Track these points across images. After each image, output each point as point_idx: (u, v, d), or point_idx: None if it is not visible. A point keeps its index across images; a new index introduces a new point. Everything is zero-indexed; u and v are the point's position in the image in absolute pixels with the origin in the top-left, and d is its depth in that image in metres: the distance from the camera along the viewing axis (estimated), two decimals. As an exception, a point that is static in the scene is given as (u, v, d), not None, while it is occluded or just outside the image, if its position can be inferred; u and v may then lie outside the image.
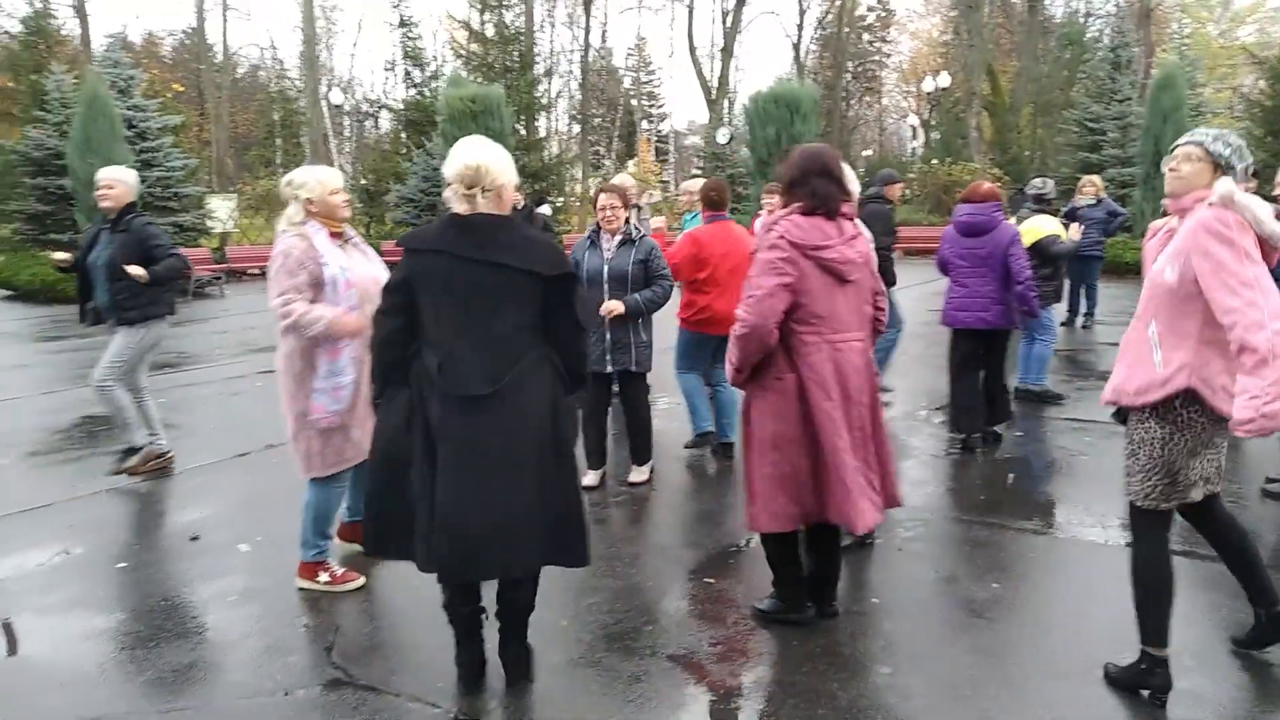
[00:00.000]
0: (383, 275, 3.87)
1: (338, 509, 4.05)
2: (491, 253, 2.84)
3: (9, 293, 17.21)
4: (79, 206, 16.98)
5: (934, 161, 26.67)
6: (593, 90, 43.25)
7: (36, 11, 26.39)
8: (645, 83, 54.08)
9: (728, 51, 35.92)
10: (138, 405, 5.75)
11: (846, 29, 41.58)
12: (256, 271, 20.41)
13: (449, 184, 2.92)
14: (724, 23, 37.33)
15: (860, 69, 48.24)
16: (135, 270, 5.39)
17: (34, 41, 25.78)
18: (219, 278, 17.81)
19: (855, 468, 3.30)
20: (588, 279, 5.04)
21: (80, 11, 30.03)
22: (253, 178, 34.87)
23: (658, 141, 53.52)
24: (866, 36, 48.24)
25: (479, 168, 2.89)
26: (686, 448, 5.93)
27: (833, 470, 3.27)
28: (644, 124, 52.45)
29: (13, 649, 3.55)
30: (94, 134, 16.57)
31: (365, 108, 43.82)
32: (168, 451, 5.85)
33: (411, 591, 3.94)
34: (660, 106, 55.12)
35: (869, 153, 44.84)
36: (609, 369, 5.15)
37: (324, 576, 3.97)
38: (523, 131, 25.78)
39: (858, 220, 3.58)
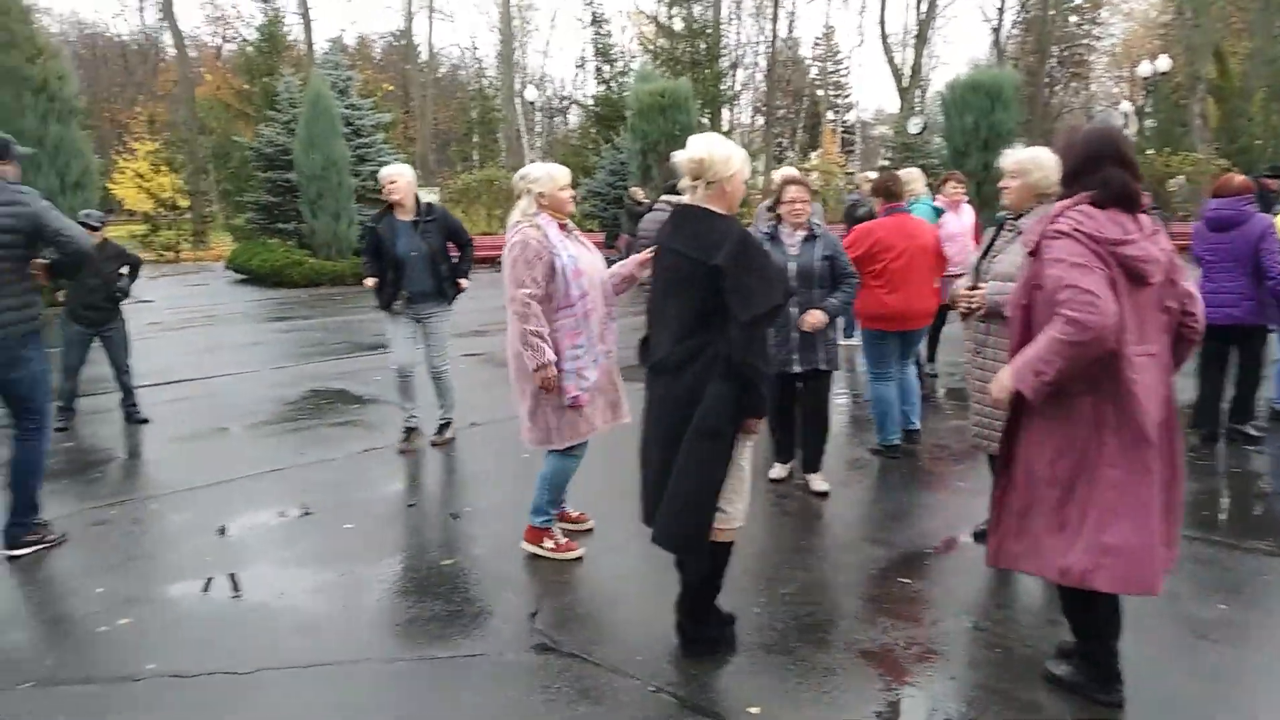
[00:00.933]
0: (603, 265, 4.08)
1: (570, 479, 4.24)
2: (675, 240, 3.11)
3: (242, 276, 19.02)
4: (303, 198, 18.57)
5: (1150, 152, 24.72)
6: (778, 81, 42.83)
7: (270, 20, 28.93)
8: (832, 72, 52.99)
9: (922, 38, 34.66)
10: (406, 383, 6.15)
11: (1052, 11, 39.14)
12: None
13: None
14: (918, 8, 36.07)
15: (1066, 53, 45.26)
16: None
17: (267, 48, 28.30)
18: (422, 266, 18.95)
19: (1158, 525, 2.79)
20: None
21: (305, 19, 32.67)
22: (453, 172, 36.86)
23: (843, 132, 52.34)
24: (1074, 19, 45.16)
25: (701, 160, 3.08)
26: (872, 453, 5.80)
27: (1128, 520, 2.77)
28: (829, 114, 51.42)
29: (256, 596, 3.96)
30: (316, 131, 18.04)
31: (556, 104, 45.37)
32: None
33: (614, 566, 4.14)
34: (847, 96, 53.83)
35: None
36: (796, 369, 4.94)
37: (549, 543, 4.21)
38: (707, 124, 25.89)
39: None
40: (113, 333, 6.97)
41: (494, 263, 21.91)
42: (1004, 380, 2.88)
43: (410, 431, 6.21)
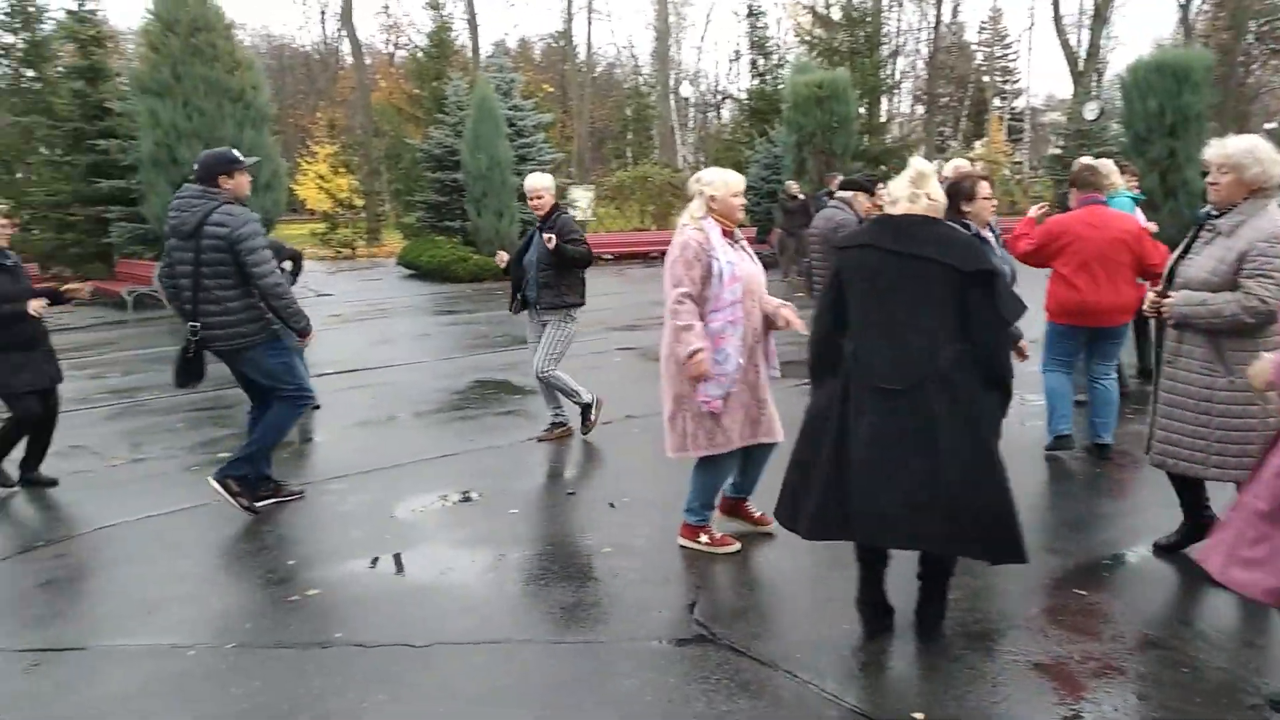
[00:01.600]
0: (762, 278, 4.07)
1: (723, 484, 4.30)
2: (911, 246, 3.07)
3: (411, 271, 20.02)
4: (469, 197, 19.36)
5: (1366, 132, 22.31)
6: (941, 68, 41.27)
7: (439, 26, 30.28)
8: (999, 57, 50.60)
9: (1100, 17, 32.52)
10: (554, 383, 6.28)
11: (1251, -18, 35.89)
12: (610, 257, 21.98)
13: (893, 198, 3.23)
14: (1096, -14, 33.83)
15: (1265, 28, 41.42)
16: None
17: (436, 53, 29.64)
18: (578, 261, 19.40)
19: None
20: None
21: (472, 24, 34.03)
22: (607, 169, 37.50)
23: (1010, 119, 49.90)
24: (1277, -11, 41.27)
25: (921, 173, 3.20)
26: (1047, 451, 5.52)
27: None
28: (996, 101, 49.13)
29: (427, 574, 4.18)
30: (482, 133, 18.76)
31: (710, 99, 45.38)
32: (567, 423, 6.42)
33: (779, 565, 4.13)
34: (1015, 82, 51.29)
35: (1273, 125, 38.45)
36: None
37: (704, 538, 4.25)
38: (865, 116, 25.27)
39: None
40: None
41: (646, 258, 22.26)
42: (1265, 372, 2.75)
43: (556, 427, 6.35)
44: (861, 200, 6.26)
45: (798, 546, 4.15)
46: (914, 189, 3.18)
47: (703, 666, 3.22)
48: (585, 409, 6.31)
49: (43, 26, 23.48)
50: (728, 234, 4.09)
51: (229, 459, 4.91)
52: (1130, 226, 5.30)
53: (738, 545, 4.23)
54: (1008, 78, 51.18)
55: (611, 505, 4.95)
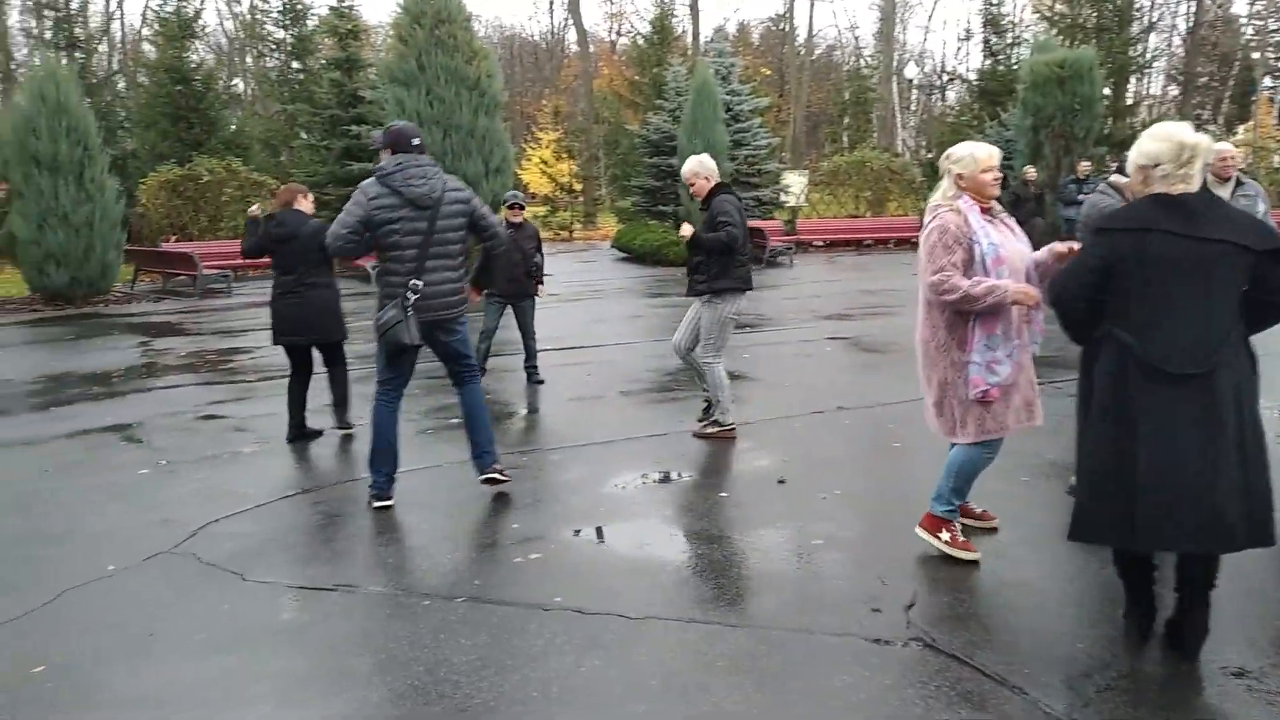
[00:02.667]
0: (1029, 251, 3.84)
1: (980, 471, 4.04)
2: (1202, 229, 2.91)
3: (625, 254, 20.54)
4: (682, 182, 19.59)
5: None
6: (1201, 44, 37.33)
7: (661, 13, 30.75)
8: (1274, 32, 45.10)
9: (1407, -18, 28.24)
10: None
11: None
12: (821, 244, 21.59)
13: (1157, 163, 3.02)
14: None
15: None
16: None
17: (657, 40, 30.13)
18: (789, 249, 19.21)
19: None
20: None
21: (694, 10, 34.26)
22: (820, 154, 36.76)
23: (1285, 101, 44.39)
24: None
25: (1195, 145, 2.99)
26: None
27: None
28: (1266, 81, 43.87)
29: (643, 548, 4.28)
30: (700, 118, 18.92)
31: (936, 80, 43.38)
32: (732, 424, 6.21)
33: (1005, 571, 3.92)
34: (1292, 59, 45.52)
35: None
36: None
37: (945, 535, 4.01)
38: (1110, 97, 23.31)
39: None
40: (526, 303, 7.83)
41: (859, 245, 21.68)
42: None
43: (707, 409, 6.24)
44: (1136, 187, 5.73)
45: (1023, 550, 3.94)
46: (1187, 166, 2.98)
47: (920, 671, 3.11)
48: (713, 419, 6.09)
49: (308, 22, 25.93)
50: (986, 211, 3.86)
51: (484, 450, 4.95)
52: None
53: (978, 554, 3.98)
54: (1282, 53, 45.58)
55: (823, 497, 4.87)
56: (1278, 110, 42.24)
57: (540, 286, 7.93)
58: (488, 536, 4.46)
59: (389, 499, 4.84)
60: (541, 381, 7.78)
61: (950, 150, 3.95)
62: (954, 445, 3.97)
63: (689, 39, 33.57)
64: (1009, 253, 3.77)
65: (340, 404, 6.34)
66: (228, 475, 5.51)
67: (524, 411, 7.00)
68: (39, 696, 3.09)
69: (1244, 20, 44.24)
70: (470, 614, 3.60)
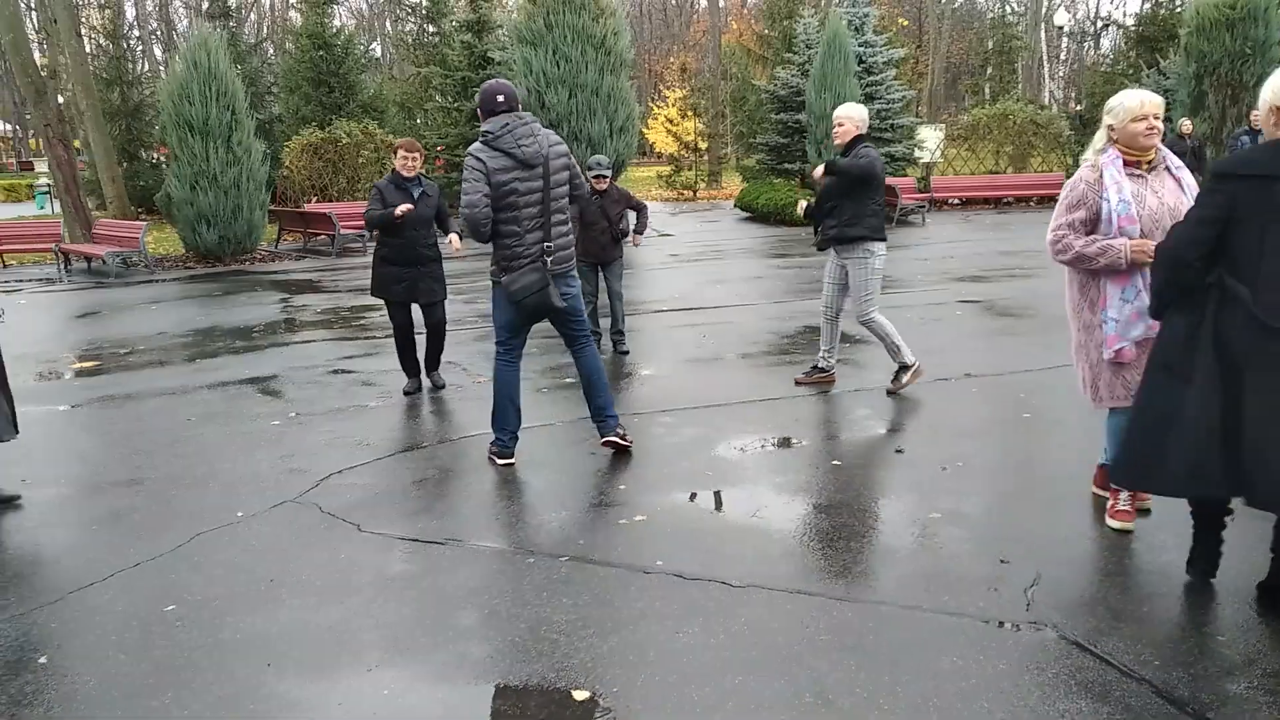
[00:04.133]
0: (1184, 207, 3.53)
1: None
2: None
3: (748, 214, 20.20)
4: (810, 139, 19.05)
5: None
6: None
7: (793, -37, 29.80)
8: None
9: None
10: (835, 321, 6.20)
11: None
12: (957, 202, 20.65)
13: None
14: None
15: None
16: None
17: (788, -9, 29.26)
18: (922, 206, 18.45)
19: None
20: None
21: (827, -41, 33.05)
22: (960, 108, 35.07)
23: None
24: None
25: None
26: None
27: None
28: None
29: (750, 516, 4.19)
30: (829, 71, 18.30)
31: (1088, 27, 40.58)
32: (833, 368, 6.30)
33: (1137, 550, 3.66)
34: None
35: None
36: None
37: (1109, 500, 3.91)
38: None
39: None
40: (613, 266, 7.61)
41: (998, 204, 20.61)
42: None
43: (815, 370, 6.27)
44: (1268, 129, 5.16)
45: (1165, 534, 3.65)
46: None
47: (1038, 657, 2.92)
48: (902, 368, 6.02)
49: (442, -15, 26.41)
50: (1134, 164, 3.60)
51: (606, 414, 4.94)
52: None
53: (1132, 524, 3.79)
54: None
55: (944, 468, 4.65)
56: None
57: (637, 237, 7.76)
58: (595, 497, 4.47)
59: (510, 457, 4.91)
60: (626, 352, 7.50)
61: (1112, 99, 3.67)
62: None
63: (822, -11, 32.48)
64: (1151, 210, 3.52)
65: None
66: (352, 428, 5.72)
67: (641, 374, 6.97)
68: (168, 634, 3.28)
69: None
70: (573, 573, 3.61)
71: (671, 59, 41.78)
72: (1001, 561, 3.60)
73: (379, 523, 4.20)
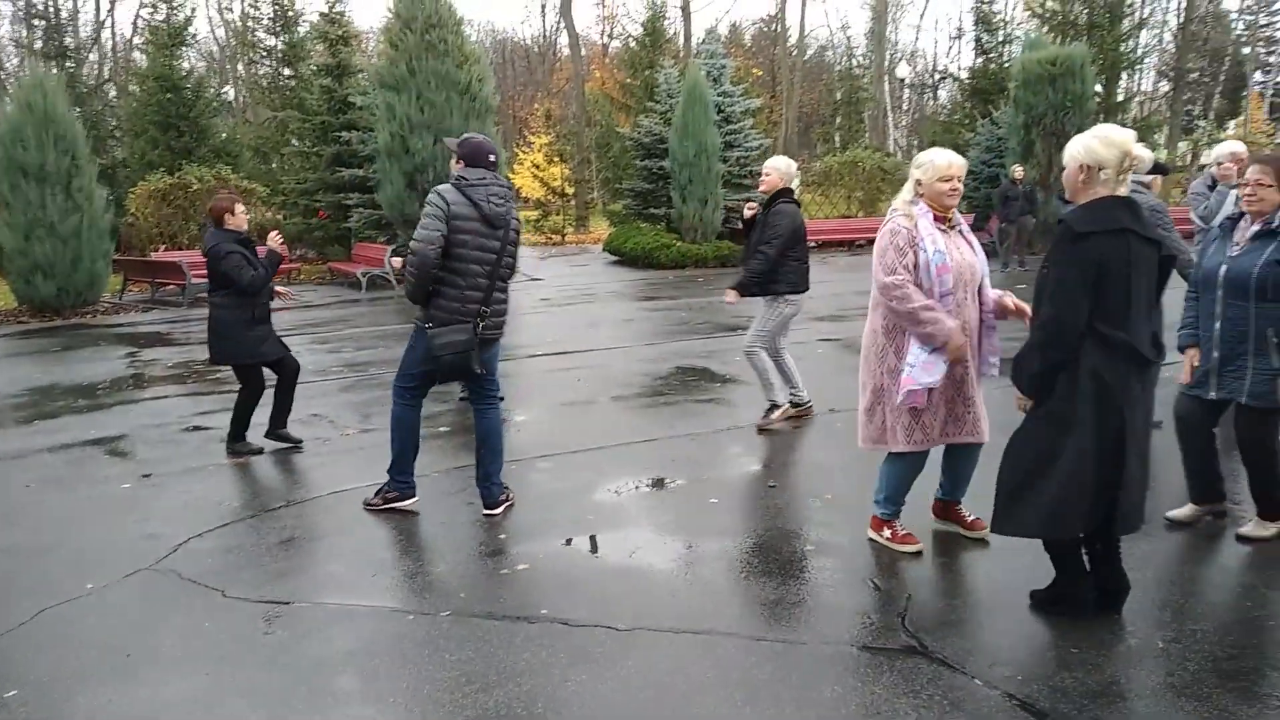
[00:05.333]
0: (980, 264, 3.83)
1: (912, 482, 4.09)
2: (1148, 229, 3.18)
3: (616, 258, 20.46)
4: (675, 184, 19.51)
5: None
6: (1192, 40, 37.36)
7: (653, 15, 30.70)
8: (1264, 27, 45.25)
9: (1395, -24, 28.28)
10: (778, 365, 6.36)
11: None
12: (814, 245, 21.52)
13: (1101, 167, 3.16)
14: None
15: None
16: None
17: (649, 42, 30.09)
18: (782, 249, 19.10)
19: None
20: (1196, 280, 4.14)
21: (685, 12, 34.18)
22: (812, 155, 36.72)
23: (1274, 96, 44.54)
24: None
25: (1139, 157, 3.36)
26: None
27: None
28: (1257, 76, 44.01)
29: (633, 558, 4.21)
30: (690, 120, 18.82)
31: (927, 79, 43.39)
32: (807, 402, 6.45)
33: (991, 572, 3.89)
34: (1283, 53, 45.66)
35: None
36: (1211, 394, 4.04)
37: (886, 533, 4.14)
38: (1102, 94, 23.33)
39: None
40: None
41: (851, 246, 21.61)
42: None
43: (792, 406, 6.42)
44: (1158, 183, 5.62)
45: (1015, 556, 3.88)
46: (1126, 174, 3.20)
47: (912, 680, 3.05)
48: (773, 406, 6.25)
49: (299, 29, 25.85)
50: (940, 219, 3.84)
51: (492, 481, 4.78)
52: None
53: (919, 546, 4.05)
54: (1273, 49, 45.72)
55: (814, 502, 4.81)
56: (1268, 106, 42.37)
57: None
58: (475, 548, 4.39)
59: (414, 498, 4.87)
60: (501, 398, 7.41)
61: (919, 155, 3.95)
62: (889, 454, 4.04)
63: (681, 41, 33.51)
64: (955, 262, 3.78)
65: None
66: (211, 488, 5.44)
67: (517, 419, 6.92)
68: (12, 720, 3.02)
69: (1234, 15, 44.39)
70: (455, 628, 3.53)
71: (536, 105, 42.12)
72: (874, 589, 3.74)
73: (245, 587, 4.00)
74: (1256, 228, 3.90)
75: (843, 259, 19.75)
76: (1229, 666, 3.08)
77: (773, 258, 6.04)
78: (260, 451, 6.11)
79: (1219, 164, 6.09)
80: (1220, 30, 42.86)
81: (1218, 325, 3.97)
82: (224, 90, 31.96)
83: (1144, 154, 3.25)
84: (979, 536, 4.16)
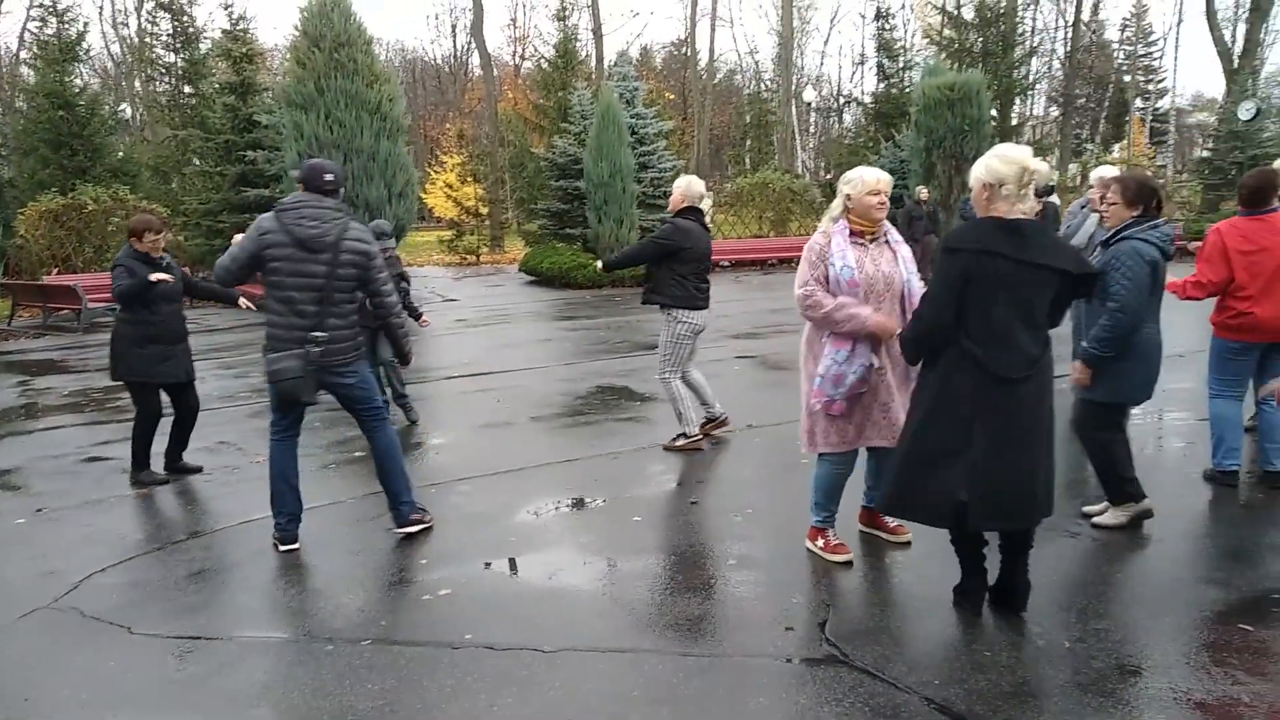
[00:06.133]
0: (903, 275, 3.97)
1: (841, 486, 4.21)
2: (1037, 255, 3.26)
3: (533, 278, 20.41)
4: (590, 205, 19.60)
5: None
6: (1078, 68, 39.41)
7: (565, 37, 30.85)
8: (1142, 56, 48.05)
9: (1258, 10, 30.38)
10: (689, 384, 6.32)
11: None
12: (728, 264, 21.87)
13: (1002, 183, 3.31)
14: (1254, -23, 31.59)
15: None
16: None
17: (562, 64, 30.21)
18: (697, 268, 19.35)
19: None
20: None
21: (597, 35, 34.47)
22: (723, 176, 37.35)
23: (1153, 121, 47.28)
24: None
25: (1036, 170, 3.35)
26: (1207, 479, 5.14)
27: None
28: (1138, 102, 46.65)
29: (558, 579, 4.20)
30: (605, 141, 18.96)
31: (833, 103, 44.62)
32: (721, 415, 6.44)
33: (910, 581, 4.00)
34: (1159, 81, 48.54)
35: None
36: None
37: (819, 542, 4.25)
38: (997, 118, 24.40)
39: None
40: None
41: (764, 265, 22.03)
42: None
43: (710, 421, 6.46)
44: (979, 202, 5.86)
45: (934, 563, 4.01)
46: (1027, 188, 3.33)
47: (835, 689, 3.11)
48: (682, 435, 6.22)
49: (200, 46, 25.13)
50: (859, 234, 4.00)
51: (400, 501, 4.71)
52: None
53: (849, 556, 4.16)
54: (1151, 77, 48.54)
55: (735, 517, 4.87)
56: (1148, 130, 44.93)
57: (425, 319, 7.53)
58: (394, 574, 4.31)
59: (293, 542, 4.62)
60: (415, 420, 7.31)
61: (848, 172, 4.09)
62: (818, 458, 4.21)
63: (593, 63, 33.76)
64: (868, 276, 3.93)
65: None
66: (113, 521, 5.21)
67: (434, 442, 6.83)
68: (-103, 774, 2.83)
69: (1115, 45, 47.01)
70: (376, 657, 3.46)
71: (448, 125, 41.80)
72: (795, 601, 3.81)
73: (153, 623, 3.84)
74: (1105, 237, 4.44)
75: (756, 278, 20.11)
76: (1131, 663, 3.23)
77: (646, 248, 6.17)
78: (165, 481, 5.89)
79: (1090, 187, 6.47)
80: (1104, 59, 45.34)
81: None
82: (120, 108, 30.77)
83: (1041, 168, 3.40)
84: (903, 541, 4.32)
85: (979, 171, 3.38)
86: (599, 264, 6.70)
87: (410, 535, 4.73)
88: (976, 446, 3.31)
